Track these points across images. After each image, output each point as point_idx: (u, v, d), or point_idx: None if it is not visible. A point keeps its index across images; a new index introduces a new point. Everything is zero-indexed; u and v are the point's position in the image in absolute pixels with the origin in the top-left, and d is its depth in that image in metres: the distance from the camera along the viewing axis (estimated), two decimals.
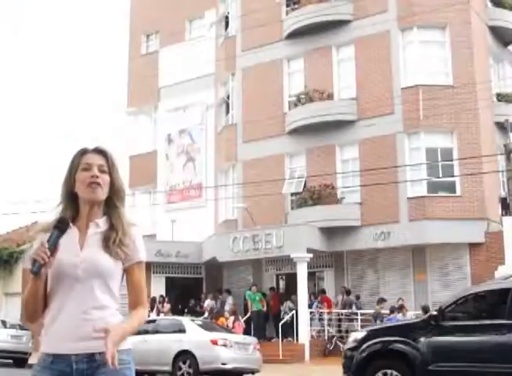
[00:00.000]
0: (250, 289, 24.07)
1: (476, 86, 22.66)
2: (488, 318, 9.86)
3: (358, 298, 23.12)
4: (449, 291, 20.96)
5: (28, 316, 2.97)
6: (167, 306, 24.05)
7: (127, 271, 3.00)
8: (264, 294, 24.39)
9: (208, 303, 24.52)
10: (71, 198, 3.03)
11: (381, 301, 21.36)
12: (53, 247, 2.82)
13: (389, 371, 10.00)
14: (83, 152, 3.05)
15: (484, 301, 10.52)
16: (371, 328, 12.26)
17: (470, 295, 10.45)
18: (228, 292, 25.21)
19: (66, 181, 3.04)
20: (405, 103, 23.04)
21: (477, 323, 9.78)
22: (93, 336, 2.83)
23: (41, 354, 2.93)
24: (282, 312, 23.81)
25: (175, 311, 24.17)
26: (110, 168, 3.03)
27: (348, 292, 23.24)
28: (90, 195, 2.98)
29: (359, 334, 11.02)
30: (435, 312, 10.06)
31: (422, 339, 9.72)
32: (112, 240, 2.94)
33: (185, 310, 25.10)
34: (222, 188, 28.14)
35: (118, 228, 2.99)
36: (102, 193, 3.00)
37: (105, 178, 3.00)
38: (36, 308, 2.92)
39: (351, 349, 10.67)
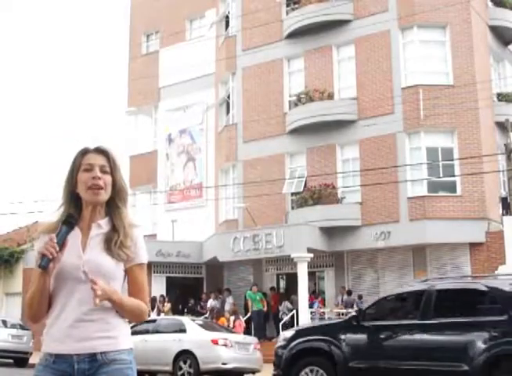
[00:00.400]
0: (250, 289, 24.06)
1: (476, 86, 22.66)
2: (403, 318, 10.36)
3: (360, 297, 23.09)
4: None
5: (32, 315, 2.95)
6: (167, 306, 24.04)
7: (128, 272, 2.99)
8: (264, 294, 24.39)
9: (211, 303, 24.51)
10: (73, 199, 3.01)
11: None
12: (62, 242, 2.82)
13: (314, 368, 10.56)
14: (84, 152, 3.02)
15: (401, 303, 11.05)
16: (299, 327, 12.93)
17: (388, 297, 11.13)
18: (229, 291, 25.21)
19: (68, 182, 3.01)
20: (405, 102, 23.04)
21: (393, 323, 10.28)
22: (94, 336, 2.84)
23: (43, 354, 2.93)
24: (280, 313, 23.82)
25: (176, 311, 24.17)
26: (112, 169, 3.01)
27: (349, 292, 23.24)
28: (92, 197, 2.97)
29: (288, 333, 11.53)
30: (355, 313, 10.73)
31: (344, 338, 10.30)
32: (114, 242, 2.94)
33: (185, 310, 25.11)
34: (223, 188, 28.13)
35: (120, 230, 2.97)
36: (105, 195, 2.98)
37: (107, 179, 2.98)
38: (41, 306, 2.90)
39: (281, 347, 11.12)
